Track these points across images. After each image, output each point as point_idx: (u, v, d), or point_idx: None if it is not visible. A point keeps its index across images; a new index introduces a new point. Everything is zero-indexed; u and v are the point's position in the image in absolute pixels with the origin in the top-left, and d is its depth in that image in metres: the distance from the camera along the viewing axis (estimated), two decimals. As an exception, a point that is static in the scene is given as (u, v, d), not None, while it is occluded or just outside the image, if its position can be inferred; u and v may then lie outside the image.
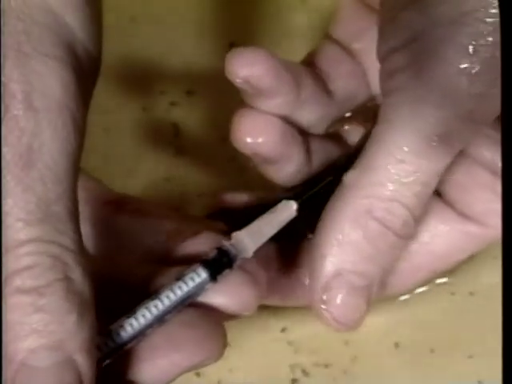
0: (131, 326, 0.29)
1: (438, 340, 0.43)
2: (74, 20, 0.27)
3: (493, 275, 0.42)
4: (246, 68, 0.33)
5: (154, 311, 0.29)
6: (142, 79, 0.48)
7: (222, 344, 0.30)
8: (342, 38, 0.38)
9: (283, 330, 0.43)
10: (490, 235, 0.36)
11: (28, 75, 0.26)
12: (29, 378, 0.25)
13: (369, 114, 0.36)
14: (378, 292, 0.34)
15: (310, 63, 0.37)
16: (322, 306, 0.33)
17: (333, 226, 0.32)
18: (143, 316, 0.29)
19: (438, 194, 0.36)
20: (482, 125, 0.32)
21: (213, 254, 0.31)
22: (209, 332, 0.30)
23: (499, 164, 0.34)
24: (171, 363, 0.29)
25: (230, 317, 0.32)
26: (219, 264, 0.30)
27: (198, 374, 0.43)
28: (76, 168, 0.27)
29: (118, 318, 0.29)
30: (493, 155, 0.34)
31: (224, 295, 0.31)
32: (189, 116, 0.47)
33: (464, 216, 0.36)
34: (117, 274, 0.32)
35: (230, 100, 0.35)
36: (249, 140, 0.34)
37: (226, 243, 0.31)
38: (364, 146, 0.33)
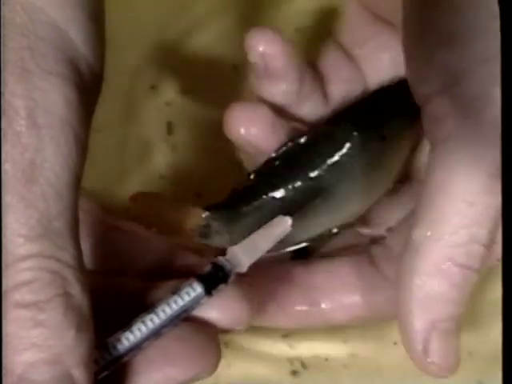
0: (127, 339, 0.29)
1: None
2: (77, 36, 0.27)
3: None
4: (265, 44, 0.35)
5: (150, 325, 0.29)
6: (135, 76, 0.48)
7: (217, 358, 0.31)
8: (345, 43, 0.39)
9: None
10: None
11: (31, 91, 0.26)
12: None
13: None
14: None
15: (311, 63, 0.38)
16: (426, 359, 0.33)
17: (414, 280, 0.32)
18: (139, 329, 0.29)
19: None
20: None
21: (208, 268, 0.31)
22: (203, 346, 0.30)
23: None
24: (166, 377, 0.30)
25: (223, 331, 0.32)
26: (214, 279, 0.31)
27: None
28: (78, 184, 0.27)
29: (114, 331, 0.29)
30: None
31: (217, 309, 0.31)
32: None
33: None
34: (113, 288, 0.32)
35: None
36: (242, 131, 0.35)
37: (221, 258, 0.31)
38: (421, 199, 0.33)
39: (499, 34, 0.29)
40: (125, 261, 0.33)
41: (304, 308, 0.37)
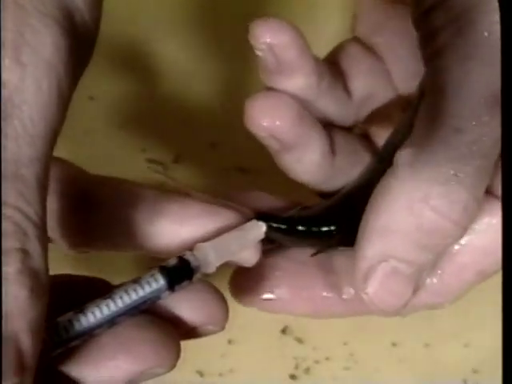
0: (79, 322, 0.28)
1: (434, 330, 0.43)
2: None
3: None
4: (271, 34, 0.32)
5: (105, 311, 0.28)
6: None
7: (175, 355, 0.29)
8: (362, 34, 0.37)
9: (284, 330, 0.44)
10: None
11: (21, 27, 0.25)
12: None
13: (396, 115, 0.35)
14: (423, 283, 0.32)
15: (329, 62, 0.36)
16: (362, 289, 0.31)
17: (383, 210, 0.30)
18: (93, 314, 0.28)
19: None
20: None
21: (173, 261, 0.30)
22: (161, 340, 0.29)
23: None
24: (117, 366, 0.28)
25: (198, 331, 0.31)
26: (179, 273, 0.30)
27: (200, 374, 0.43)
28: (53, 139, 0.25)
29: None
30: None
31: (188, 307, 0.30)
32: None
33: None
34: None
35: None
36: (265, 123, 0.32)
37: (188, 253, 0.30)
38: (413, 124, 0.30)
39: None
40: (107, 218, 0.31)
41: (324, 293, 0.34)
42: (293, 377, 0.46)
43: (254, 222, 0.32)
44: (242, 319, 0.46)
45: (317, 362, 0.46)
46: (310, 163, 0.34)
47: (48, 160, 0.25)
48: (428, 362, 0.46)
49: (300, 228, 0.33)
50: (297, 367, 0.46)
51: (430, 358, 0.46)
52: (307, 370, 0.46)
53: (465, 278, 0.33)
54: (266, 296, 0.34)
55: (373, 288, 0.31)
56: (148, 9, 0.49)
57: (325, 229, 0.33)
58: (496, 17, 0.28)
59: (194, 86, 0.48)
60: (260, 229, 0.32)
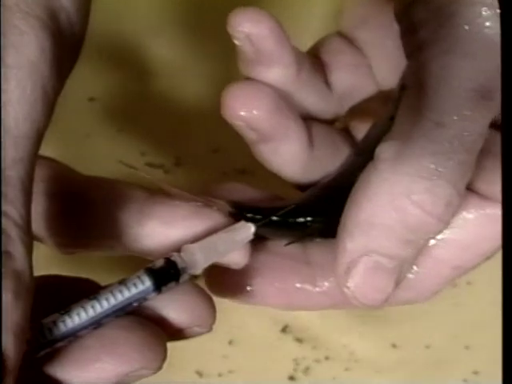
0: (64, 323, 0.28)
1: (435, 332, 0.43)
2: None
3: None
4: (249, 24, 0.31)
5: (91, 312, 0.28)
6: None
7: (161, 356, 0.29)
8: (345, 29, 0.36)
9: (283, 329, 0.44)
10: None
11: (6, 28, 0.25)
12: None
13: (377, 109, 0.34)
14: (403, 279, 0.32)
15: (311, 55, 0.36)
16: (344, 283, 0.31)
17: (365, 204, 0.30)
18: (78, 315, 0.28)
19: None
20: None
21: (160, 262, 0.30)
22: (147, 341, 0.29)
23: None
24: (102, 367, 0.28)
25: (184, 333, 0.31)
26: (165, 274, 0.29)
27: (200, 374, 0.44)
28: (38, 141, 0.25)
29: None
30: None
31: (174, 308, 0.30)
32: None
33: (482, 196, 0.32)
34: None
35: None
36: (242, 112, 0.32)
37: (175, 254, 0.30)
38: (395, 117, 0.30)
39: None
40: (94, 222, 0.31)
41: (298, 285, 0.34)
42: (292, 377, 0.46)
43: (242, 223, 0.32)
44: (241, 319, 0.46)
45: (317, 361, 0.46)
46: (287, 155, 0.34)
47: (33, 161, 0.25)
48: (428, 362, 0.45)
49: (276, 219, 0.33)
50: (296, 367, 0.45)
51: (431, 358, 0.45)
52: (307, 370, 0.45)
53: (441, 273, 0.33)
54: (243, 288, 0.34)
55: (354, 282, 0.31)
56: (149, 9, 0.49)
57: (301, 220, 0.33)
58: (477, 10, 0.28)
59: (195, 88, 0.48)
60: (248, 230, 0.31)
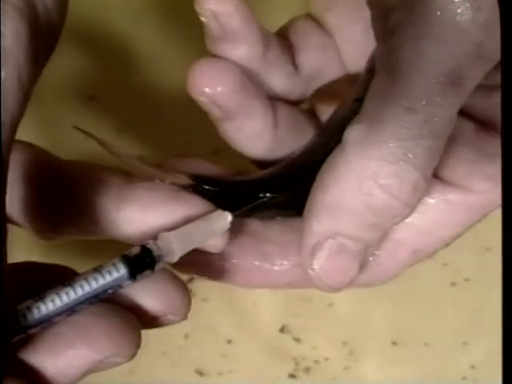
0: (38, 309, 0.28)
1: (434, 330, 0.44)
2: None
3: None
4: (215, 1, 0.31)
5: (65, 299, 0.28)
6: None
7: (134, 343, 0.29)
8: (315, 11, 0.36)
9: (282, 329, 0.44)
10: (476, 204, 0.33)
11: None
12: None
13: (343, 92, 0.34)
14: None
15: (280, 36, 0.35)
16: (309, 265, 0.31)
17: (332, 187, 0.30)
18: (52, 301, 0.28)
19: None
20: (492, 60, 0.28)
21: (135, 250, 0.30)
22: (120, 327, 0.29)
23: (485, 116, 0.32)
24: (75, 354, 0.28)
25: (158, 321, 0.31)
26: (140, 262, 0.29)
27: (200, 374, 0.44)
28: (12, 130, 0.25)
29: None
30: (478, 104, 0.32)
31: (147, 295, 0.30)
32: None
33: (445, 182, 0.33)
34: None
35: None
36: (206, 89, 0.32)
37: (151, 242, 0.30)
38: (365, 99, 0.30)
39: None
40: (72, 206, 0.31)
41: (256, 262, 0.34)
42: (292, 376, 0.45)
43: (219, 212, 0.31)
44: (241, 319, 0.46)
45: (316, 361, 0.45)
46: (251, 133, 0.34)
47: (7, 150, 0.25)
48: (428, 360, 0.45)
49: (234, 192, 0.33)
50: (296, 367, 0.45)
51: (430, 356, 0.45)
52: (307, 370, 0.45)
53: (400, 257, 0.33)
54: (203, 263, 0.34)
55: (319, 264, 0.31)
56: (150, 10, 0.50)
57: (260, 195, 0.33)
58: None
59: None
60: (226, 219, 0.31)
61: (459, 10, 0.28)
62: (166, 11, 0.49)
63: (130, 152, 0.45)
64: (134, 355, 0.29)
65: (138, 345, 0.29)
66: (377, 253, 0.33)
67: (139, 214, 0.31)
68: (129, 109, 0.48)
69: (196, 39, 0.44)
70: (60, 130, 0.46)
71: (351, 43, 0.35)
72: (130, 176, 0.32)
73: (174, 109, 0.48)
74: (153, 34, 0.49)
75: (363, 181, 0.30)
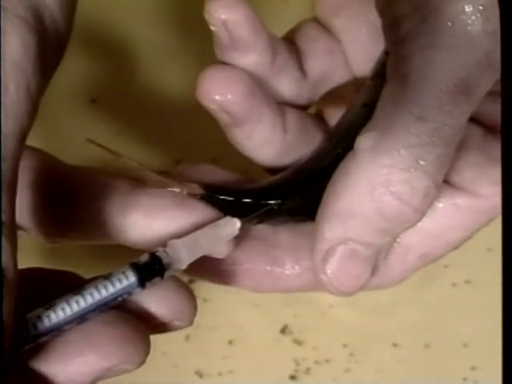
0: (48, 318, 0.28)
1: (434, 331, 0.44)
2: None
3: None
4: (225, 10, 0.32)
5: (75, 307, 0.28)
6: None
7: (144, 350, 0.29)
8: (321, 15, 0.36)
9: (283, 330, 0.44)
10: (483, 208, 0.33)
11: None
12: None
13: (350, 96, 0.35)
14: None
15: (286, 41, 0.36)
16: (321, 270, 0.32)
17: (343, 193, 0.31)
18: (63, 310, 0.28)
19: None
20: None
21: (145, 258, 0.30)
22: (130, 335, 0.29)
23: (493, 122, 0.32)
24: (85, 362, 0.28)
25: (166, 326, 0.31)
26: (150, 270, 0.30)
27: (200, 374, 0.44)
28: (21, 140, 0.25)
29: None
30: (486, 110, 0.32)
31: (155, 301, 0.30)
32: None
33: (453, 186, 0.33)
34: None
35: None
36: (216, 96, 0.32)
37: (160, 249, 0.30)
38: (375, 106, 0.30)
39: None
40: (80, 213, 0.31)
41: (267, 267, 0.34)
42: (293, 377, 0.46)
43: (227, 219, 0.32)
44: (241, 320, 0.46)
45: (317, 362, 0.46)
46: (260, 139, 0.34)
47: (16, 159, 0.25)
48: (428, 362, 0.45)
49: (247, 200, 0.33)
50: (297, 368, 0.45)
51: (430, 358, 0.45)
52: (307, 371, 0.45)
53: (408, 261, 0.34)
54: (214, 268, 0.34)
55: (331, 269, 0.32)
56: (154, 15, 0.49)
57: (271, 202, 0.33)
58: (460, 7, 0.28)
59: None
60: (234, 226, 0.32)
61: (470, 21, 0.28)
62: (170, 16, 0.49)
63: (130, 155, 0.46)
64: (142, 363, 0.29)
65: (146, 352, 0.29)
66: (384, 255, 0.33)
67: (144, 219, 0.31)
68: (130, 112, 0.48)
69: (199, 44, 0.44)
70: (62, 133, 0.46)
71: (358, 47, 0.35)
72: (135, 181, 0.32)
73: (176, 112, 0.48)
74: (156, 39, 0.49)
75: (375, 187, 0.30)
